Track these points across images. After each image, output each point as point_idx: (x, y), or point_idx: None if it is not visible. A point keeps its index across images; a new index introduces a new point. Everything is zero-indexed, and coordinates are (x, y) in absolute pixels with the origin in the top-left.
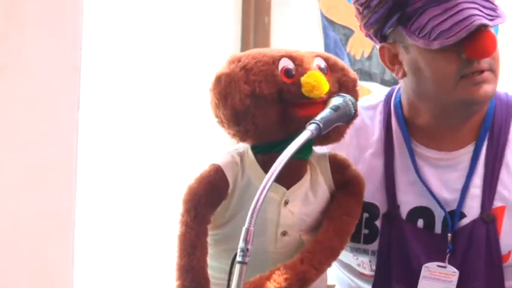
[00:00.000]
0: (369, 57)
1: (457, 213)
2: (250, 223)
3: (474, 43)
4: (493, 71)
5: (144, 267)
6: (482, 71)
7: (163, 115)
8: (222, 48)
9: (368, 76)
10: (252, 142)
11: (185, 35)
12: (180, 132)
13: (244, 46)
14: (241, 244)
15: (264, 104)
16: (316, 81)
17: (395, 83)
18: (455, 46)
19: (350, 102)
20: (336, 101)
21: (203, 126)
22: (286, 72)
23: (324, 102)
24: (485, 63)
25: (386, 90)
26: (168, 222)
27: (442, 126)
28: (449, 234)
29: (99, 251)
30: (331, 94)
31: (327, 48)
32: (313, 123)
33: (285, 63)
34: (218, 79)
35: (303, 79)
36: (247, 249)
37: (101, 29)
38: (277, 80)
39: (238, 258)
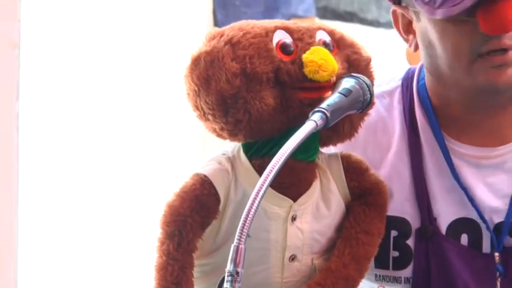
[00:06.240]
0: None
1: (505, 226)
2: (240, 239)
3: (488, 13)
4: None
5: (88, 270)
6: (505, 50)
7: (123, 106)
8: (191, 30)
9: (339, 16)
10: (244, 138)
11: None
12: (143, 127)
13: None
14: (229, 266)
15: (258, 86)
16: (322, 60)
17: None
18: (471, 16)
19: (365, 85)
20: (346, 83)
21: (171, 123)
22: (283, 47)
23: (331, 87)
24: (510, 39)
25: (401, 71)
26: (117, 225)
27: (477, 117)
28: (496, 254)
29: (43, 252)
30: (339, 77)
31: None
32: (318, 111)
33: (281, 36)
34: (196, 60)
35: (306, 56)
36: (238, 273)
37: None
38: (273, 56)
39: (226, 285)
